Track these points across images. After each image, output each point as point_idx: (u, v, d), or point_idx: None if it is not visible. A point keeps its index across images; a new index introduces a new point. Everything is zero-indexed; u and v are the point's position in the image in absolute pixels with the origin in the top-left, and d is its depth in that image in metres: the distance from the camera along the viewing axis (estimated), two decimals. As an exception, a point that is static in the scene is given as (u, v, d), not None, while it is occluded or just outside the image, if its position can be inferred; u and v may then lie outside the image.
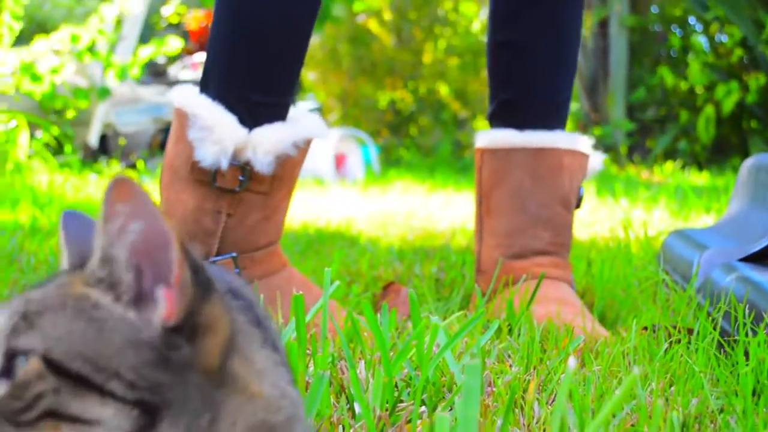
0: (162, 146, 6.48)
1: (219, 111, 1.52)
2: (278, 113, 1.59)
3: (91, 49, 5.37)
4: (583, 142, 1.81)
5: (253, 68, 1.56)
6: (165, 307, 0.59)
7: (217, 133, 1.50)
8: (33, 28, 6.29)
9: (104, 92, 5.54)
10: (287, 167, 1.57)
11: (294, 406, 0.65)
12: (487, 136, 1.81)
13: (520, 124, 1.77)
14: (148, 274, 0.59)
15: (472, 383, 0.67)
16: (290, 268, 1.66)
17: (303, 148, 1.59)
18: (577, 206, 1.82)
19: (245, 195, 1.56)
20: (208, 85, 1.58)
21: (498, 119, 1.83)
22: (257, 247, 1.59)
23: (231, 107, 1.54)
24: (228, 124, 1.51)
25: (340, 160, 6.26)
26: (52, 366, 0.56)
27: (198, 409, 0.58)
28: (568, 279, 1.75)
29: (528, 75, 1.79)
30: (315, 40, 9.10)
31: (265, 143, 1.52)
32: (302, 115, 1.64)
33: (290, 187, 1.62)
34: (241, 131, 1.52)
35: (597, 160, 1.87)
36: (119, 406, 0.56)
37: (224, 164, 1.51)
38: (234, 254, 1.57)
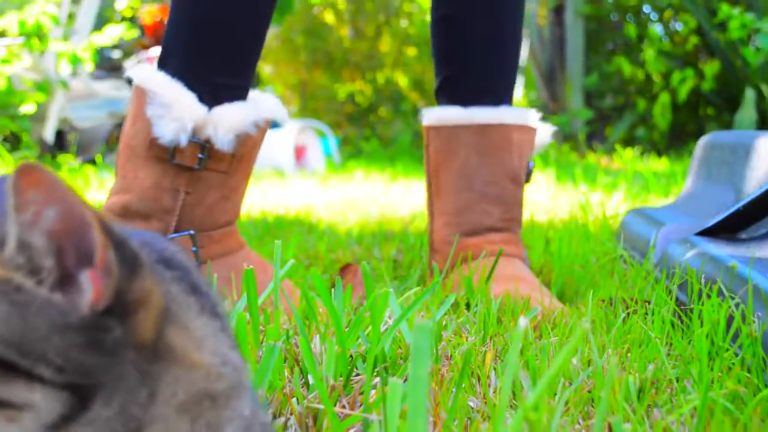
0: (118, 141, 6.41)
1: (178, 88, 1.51)
2: (238, 94, 1.57)
3: (39, 34, 5.27)
4: (531, 116, 1.80)
5: (213, 49, 1.55)
6: (92, 291, 0.56)
7: (177, 110, 1.49)
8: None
9: (63, 84, 5.46)
10: (247, 146, 1.56)
11: (237, 373, 0.63)
12: (433, 114, 1.79)
13: (465, 101, 1.76)
14: (70, 258, 0.57)
15: (422, 343, 0.65)
16: (247, 248, 1.65)
17: (263, 127, 1.58)
18: (527, 180, 1.82)
19: (204, 173, 1.54)
20: (167, 62, 1.56)
21: (443, 96, 1.81)
22: (216, 226, 1.58)
23: (191, 85, 1.52)
24: (188, 101, 1.50)
25: (300, 152, 6.23)
26: None
27: (134, 386, 0.56)
28: (521, 255, 1.75)
29: (468, 49, 1.78)
30: (271, 32, 9.06)
31: (225, 121, 1.51)
32: (261, 96, 1.62)
33: (249, 167, 1.61)
34: (200, 109, 1.51)
35: (546, 132, 1.87)
36: (48, 390, 0.54)
37: (183, 141, 1.50)
38: (192, 232, 1.55)
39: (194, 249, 1.55)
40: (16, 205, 0.55)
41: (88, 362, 0.55)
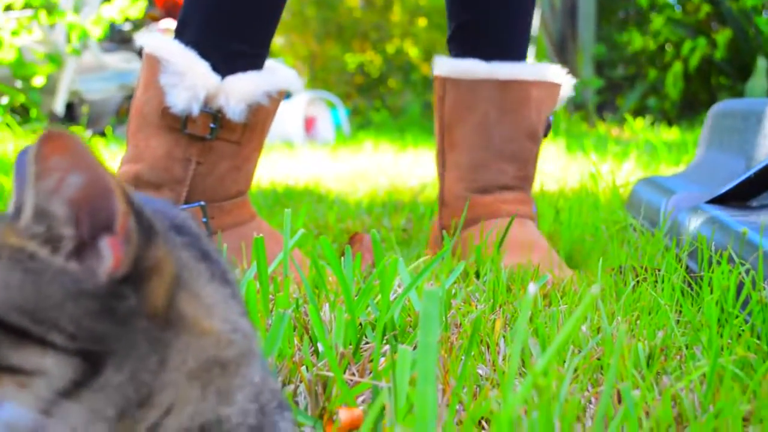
0: (129, 113, 6.41)
1: (192, 57, 1.50)
2: (254, 63, 1.56)
3: (48, 6, 5.26)
4: (553, 72, 1.76)
5: (233, 16, 1.54)
6: (111, 258, 0.57)
7: (190, 78, 1.49)
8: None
9: (74, 52, 5.45)
10: (259, 117, 1.55)
11: (247, 340, 0.63)
12: (450, 65, 1.75)
13: (483, 53, 1.72)
14: (89, 226, 0.57)
15: (431, 309, 0.65)
16: (259, 219, 1.65)
17: (275, 98, 1.57)
18: (545, 135, 1.80)
19: (216, 143, 1.54)
20: (183, 32, 1.55)
21: (457, 43, 1.77)
22: (227, 196, 1.58)
23: (205, 54, 1.52)
24: (201, 70, 1.49)
25: (309, 123, 6.22)
26: None
27: (145, 353, 0.57)
28: (530, 214, 1.74)
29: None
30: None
31: (237, 91, 1.50)
32: (277, 66, 1.61)
33: (261, 137, 1.60)
34: (214, 78, 1.50)
35: (567, 87, 1.82)
36: (60, 356, 0.54)
37: (195, 110, 1.49)
38: (203, 203, 1.55)
39: (204, 220, 1.55)
40: (38, 172, 0.55)
41: (100, 330, 0.55)
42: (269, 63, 1.61)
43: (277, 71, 1.59)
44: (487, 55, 1.72)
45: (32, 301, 0.54)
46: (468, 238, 1.68)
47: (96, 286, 0.56)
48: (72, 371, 0.54)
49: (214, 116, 1.52)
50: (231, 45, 1.54)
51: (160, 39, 1.54)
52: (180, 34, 1.56)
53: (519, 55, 1.75)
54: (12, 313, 0.54)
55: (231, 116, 1.51)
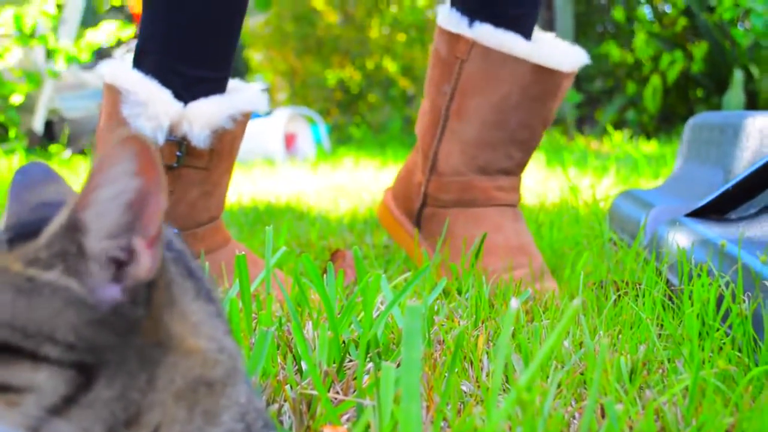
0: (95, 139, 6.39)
1: (153, 85, 1.49)
2: (216, 87, 1.56)
3: (33, 33, 5.26)
4: (582, 60, 1.67)
5: (188, 42, 1.53)
6: (149, 261, 0.57)
7: (152, 108, 1.47)
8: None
9: (52, 74, 5.43)
10: (225, 141, 1.55)
11: (233, 359, 0.63)
12: (484, 30, 1.62)
13: (517, 24, 1.61)
14: (130, 232, 0.57)
15: (414, 325, 0.66)
16: (234, 243, 1.64)
17: (241, 120, 1.55)
18: None
19: (184, 171, 1.53)
20: (142, 60, 1.54)
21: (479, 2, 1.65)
22: (199, 223, 1.57)
23: (166, 82, 1.50)
24: (163, 98, 1.48)
25: (290, 140, 6.22)
26: None
27: (135, 370, 0.57)
28: (517, 201, 1.71)
29: None
30: (260, 20, 9.02)
31: (200, 117, 1.49)
32: (240, 87, 1.61)
33: (230, 161, 1.59)
34: (176, 105, 1.49)
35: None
36: (54, 369, 0.54)
37: (161, 140, 1.48)
38: (175, 231, 1.54)
39: None
40: (101, 180, 0.54)
41: (100, 340, 0.55)
42: (233, 84, 1.60)
43: (241, 92, 1.57)
44: (514, 26, 1.61)
45: (23, 316, 0.54)
46: (455, 225, 1.66)
47: (109, 295, 0.56)
48: (64, 386, 0.54)
49: (179, 144, 1.51)
50: (190, 71, 1.53)
51: (119, 68, 1.52)
52: (138, 63, 1.55)
53: (553, 40, 1.67)
54: (1, 330, 0.54)
55: (196, 143, 1.50)
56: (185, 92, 1.51)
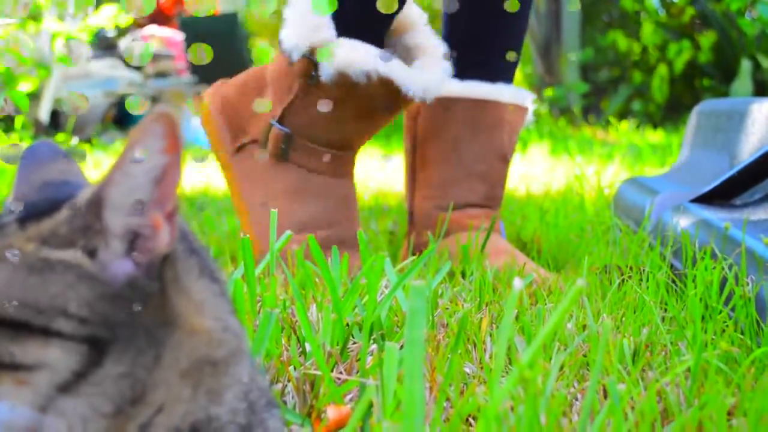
0: (115, 120, 6.40)
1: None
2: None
3: (35, 15, 5.24)
4: (526, 96, 1.77)
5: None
6: (170, 232, 0.57)
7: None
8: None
9: (65, 60, 5.42)
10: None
11: (237, 339, 0.63)
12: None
13: (461, 72, 1.71)
14: (153, 207, 0.58)
15: (417, 304, 0.65)
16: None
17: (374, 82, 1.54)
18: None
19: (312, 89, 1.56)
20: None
21: None
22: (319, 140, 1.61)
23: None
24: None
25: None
26: None
27: (143, 347, 0.57)
28: (498, 231, 1.75)
29: (465, 17, 1.74)
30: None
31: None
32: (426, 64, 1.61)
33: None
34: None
35: (530, 111, 1.83)
36: (66, 344, 0.54)
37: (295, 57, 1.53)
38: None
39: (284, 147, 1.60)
40: (128, 158, 0.55)
41: (113, 314, 0.55)
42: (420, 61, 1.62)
43: (411, 68, 1.58)
44: (464, 74, 1.71)
45: (34, 293, 0.54)
46: (443, 247, 1.68)
47: (122, 270, 0.56)
48: (76, 361, 0.54)
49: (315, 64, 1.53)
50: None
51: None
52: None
53: (498, 76, 1.75)
54: (9, 308, 0.54)
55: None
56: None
